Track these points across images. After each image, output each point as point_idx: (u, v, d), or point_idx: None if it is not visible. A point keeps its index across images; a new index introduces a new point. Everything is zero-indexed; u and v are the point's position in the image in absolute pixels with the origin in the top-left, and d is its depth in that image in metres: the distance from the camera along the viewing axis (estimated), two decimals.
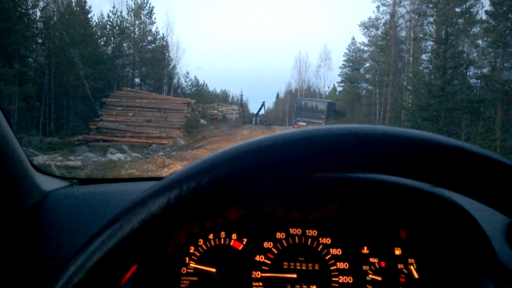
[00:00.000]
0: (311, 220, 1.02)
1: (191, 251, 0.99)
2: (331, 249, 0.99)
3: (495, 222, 0.94)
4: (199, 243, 1.00)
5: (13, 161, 0.94)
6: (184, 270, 0.98)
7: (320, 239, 1.00)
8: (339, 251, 0.99)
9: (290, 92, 48.75)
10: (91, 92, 21.48)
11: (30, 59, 21.31)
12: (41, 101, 19.66)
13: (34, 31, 21.00)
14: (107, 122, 16.66)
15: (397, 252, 0.98)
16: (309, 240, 1.00)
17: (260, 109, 35.32)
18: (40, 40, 21.54)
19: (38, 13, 21.89)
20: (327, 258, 0.98)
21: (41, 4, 22.05)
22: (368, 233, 1.00)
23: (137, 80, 29.57)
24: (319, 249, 0.99)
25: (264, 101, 36.39)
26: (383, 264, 0.97)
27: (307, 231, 1.01)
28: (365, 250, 0.99)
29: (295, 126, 20.31)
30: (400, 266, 0.97)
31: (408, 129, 0.39)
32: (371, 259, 0.98)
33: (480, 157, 0.37)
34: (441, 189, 0.75)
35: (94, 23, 27.09)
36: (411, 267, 0.96)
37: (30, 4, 20.70)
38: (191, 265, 0.98)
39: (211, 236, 1.00)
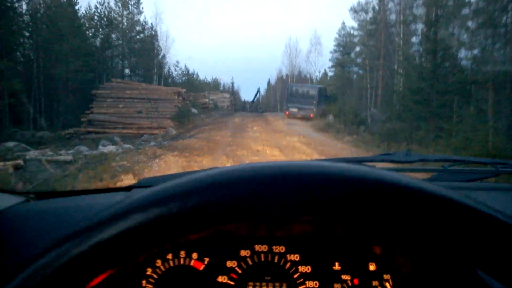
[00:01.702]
0: (278, 235, 0.95)
1: (148, 273, 0.90)
2: (299, 267, 0.91)
3: None
4: (157, 264, 0.91)
5: None
6: None
7: (288, 256, 0.92)
8: (308, 269, 0.91)
9: (281, 79, 48.55)
10: (81, 85, 21.31)
11: (18, 53, 21.05)
12: (30, 95, 19.48)
13: (20, 24, 20.68)
14: (98, 114, 16.57)
15: (371, 267, 0.91)
16: (276, 257, 0.92)
17: (255, 96, 35.22)
18: (27, 34, 21.23)
19: (24, 6, 21.54)
20: (295, 276, 0.91)
21: None
22: (340, 249, 0.93)
23: (127, 71, 29.33)
24: (286, 266, 0.92)
25: (259, 87, 36.33)
26: (356, 281, 0.89)
27: (274, 247, 0.93)
28: (337, 267, 0.91)
29: (287, 112, 20.26)
30: (375, 283, 0.89)
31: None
32: (343, 276, 0.90)
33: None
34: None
35: (82, 15, 26.74)
36: (387, 284, 0.89)
37: None
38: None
39: (170, 256, 0.92)
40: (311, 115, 19.00)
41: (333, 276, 0.89)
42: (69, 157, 8.51)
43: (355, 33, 34.24)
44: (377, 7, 27.84)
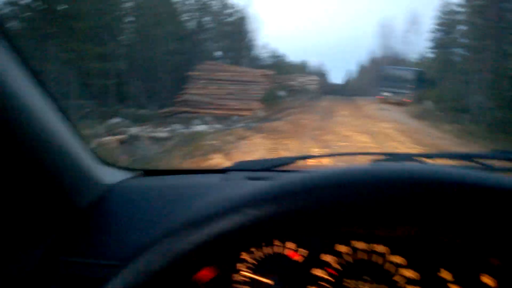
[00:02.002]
0: (380, 234, 0.85)
1: (243, 257, 0.90)
2: (403, 270, 0.82)
3: None
4: (251, 250, 0.90)
5: (68, 154, 0.85)
6: (235, 277, 0.90)
7: (391, 257, 0.84)
8: (413, 274, 0.82)
9: (374, 60, 46.34)
10: (176, 67, 22.65)
11: (122, 37, 22.93)
12: (132, 76, 21.21)
13: (124, 10, 22.50)
14: (192, 95, 17.49)
15: (488, 281, 0.77)
16: (377, 257, 0.85)
17: (346, 78, 34.25)
18: (129, 19, 23.01)
19: None
20: (398, 280, 0.82)
21: None
22: (451, 255, 0.82)
23: (218, 53, 30.35)
24: (388, 269, 0.84)
25: (348, 69, 35.31)
26: None
27: (375, 246, 0.86)
28: (446, 275, 0.80)
29: (379, 97, 19.21)
30: None
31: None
32: (454, 287, 0.78)
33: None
34: None
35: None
36: None
37: None
38: (242, 273, 0.90)
39: (264, 244, 0.90)
40: (407, 100, 17.77)
41: (442, 285, 0.78)
42: (166, 134, 9.11)
43: (460, 10, 31.12)
44: None
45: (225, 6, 30.99)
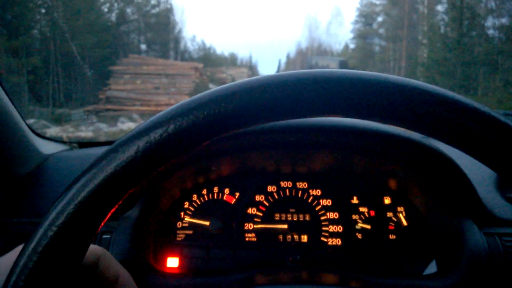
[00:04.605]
0: (302, 172, 1.05)
1: (186, 206, 1.03)
2: (321, 200, 1.02)
3: (484, 169, 0.92)
4: (193, 198, 1.04)
5: (9, 127, 0.97)
6: (179, 224, 1.02)
7: (310, 191, 1.04)
8: (329, 202, 1.02)
9: (301, 52, 47.77)
10: (98, 61, 21.42)
11: (35, 31, 21.24)
12: (48, 72, 19.74)
13: (36, 1, 20.81)
14: (116, 91, 16.63)
15: (386, 201, 1.01)
16: (300, 192, 1.04)
17: (278, 68, 34.88)
18: (43, 10, 21.35)
19: None
20: (317, 209, 1.02)
21: None
22: (358, 184, 1.03)
23: (143, 46, 29.28)
24: (309, 200, 1.03)
25: (280, 59, 36.03)
26: (372, 213, 1.01)
27: (297, 183, 1.05)
28: (355, 200, 1.02)
29: None
30: (389, 214, 1.00)
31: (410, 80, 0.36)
32: (361, 209, 1.01)
33: (469, 108, 0.34)
34: (427, 138, 0.79)
35: None
36: (400, 215, 0.99)
37: None
38: (185, 219, 1.02)
39: (204, 192, 1.04)
40: None
41: (352, 208, 1.01)
42: (90, 134, 8.57)
43: (378, 2, 33.07)
44: None
45: None
